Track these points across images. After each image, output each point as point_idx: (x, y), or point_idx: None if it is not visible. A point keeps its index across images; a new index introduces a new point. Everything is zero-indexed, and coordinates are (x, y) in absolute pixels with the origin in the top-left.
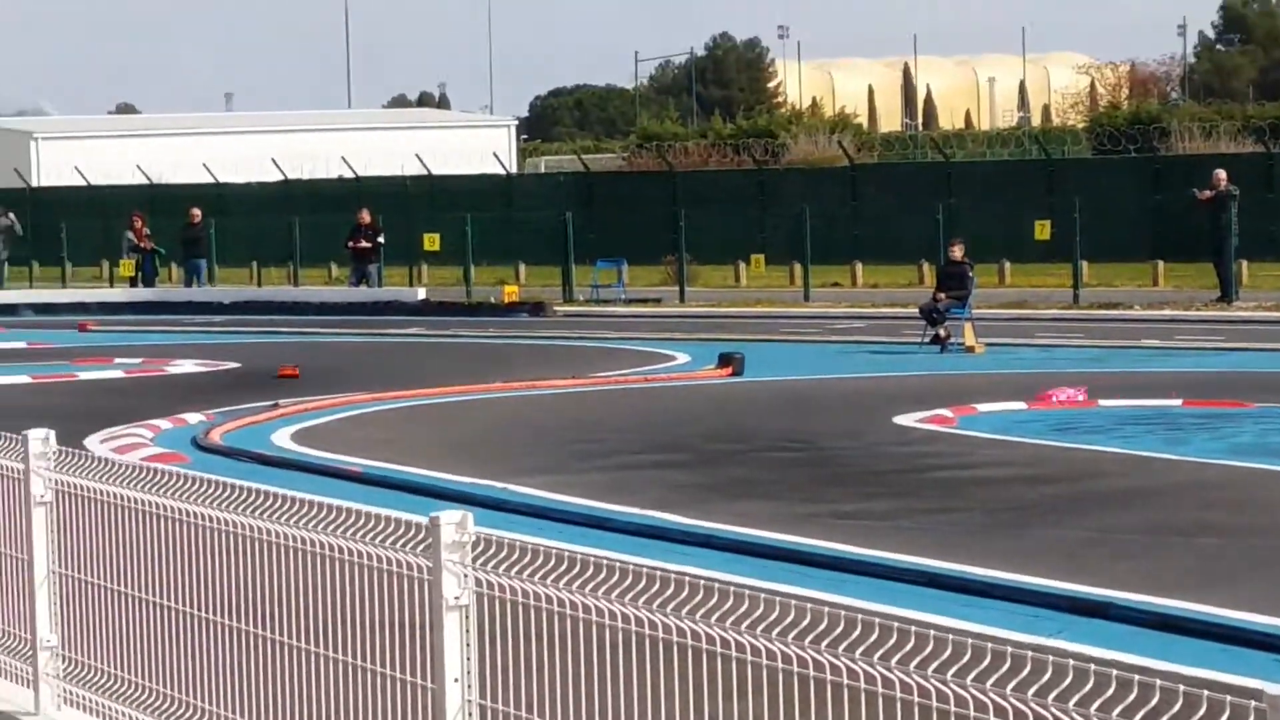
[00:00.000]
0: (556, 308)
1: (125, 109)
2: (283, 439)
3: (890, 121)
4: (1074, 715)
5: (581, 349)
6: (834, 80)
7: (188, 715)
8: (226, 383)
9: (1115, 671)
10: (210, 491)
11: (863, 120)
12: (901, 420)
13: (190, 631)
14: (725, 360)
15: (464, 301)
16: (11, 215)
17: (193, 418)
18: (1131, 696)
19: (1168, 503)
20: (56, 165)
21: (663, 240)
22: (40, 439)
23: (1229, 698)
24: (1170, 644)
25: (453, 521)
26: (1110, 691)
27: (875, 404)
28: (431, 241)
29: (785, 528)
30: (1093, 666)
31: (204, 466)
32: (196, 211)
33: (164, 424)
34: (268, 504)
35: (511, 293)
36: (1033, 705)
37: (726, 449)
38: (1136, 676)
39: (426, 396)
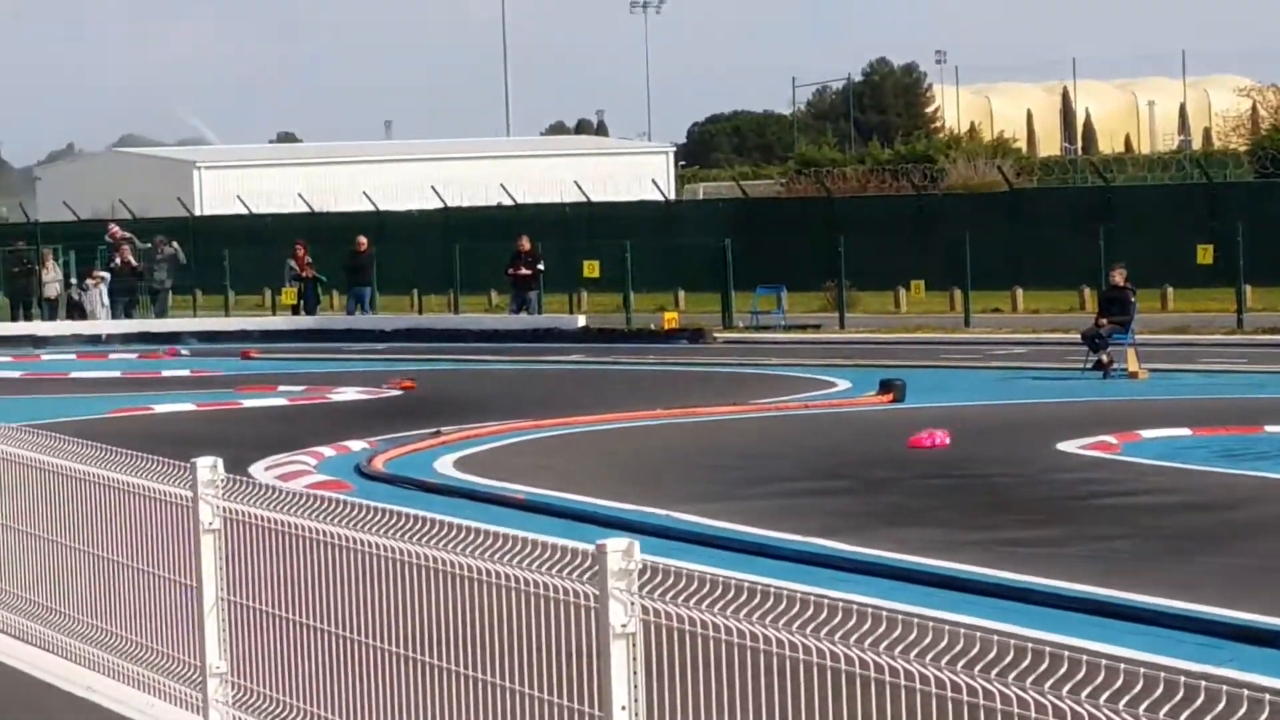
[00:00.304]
0: (716, 334)
1: (286, 137)
2: (445, 466)
3: (1049, 146)
4: None
5: (741, 375)
6: (992, 105)
7: None
8: (389, 410)
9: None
10: (376, 518)
11: (1021, 145)
12: (1064, 447)
13: (358, 658)
14: (886, 386)
15: (624, 328)
16: (175, 244)
17: (356, 445)
18: None
19: None
20: (219, 194)
21: (822, 266)
22: (208, 467)
23: None
24: None
25: (619, 549)
26: None
27: (1037, 430)
28: (591, 268)
29: (947, 555)
30: (1267, 697)
31: (367, 493)
32: (363, 239)
33: (327, 451)
34: (434, 531)
35: (671, 319)
36: None
37: (888, 476)
38: None
39: (587, 423)
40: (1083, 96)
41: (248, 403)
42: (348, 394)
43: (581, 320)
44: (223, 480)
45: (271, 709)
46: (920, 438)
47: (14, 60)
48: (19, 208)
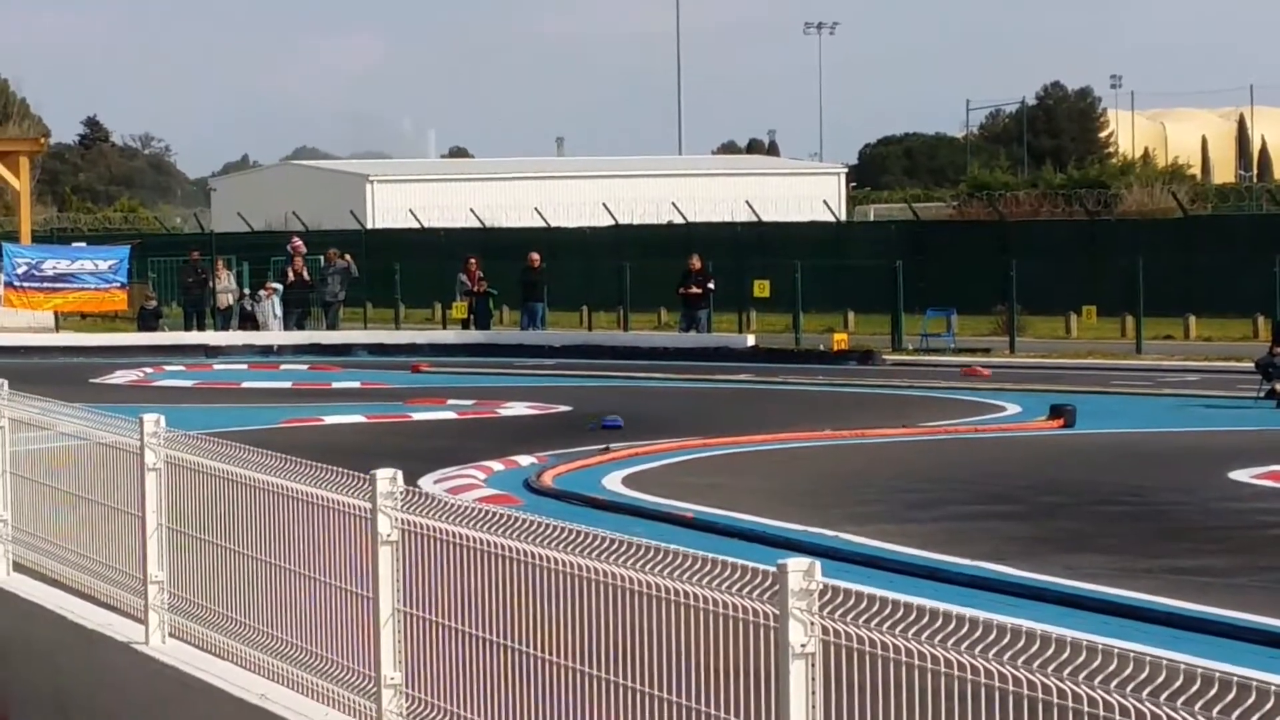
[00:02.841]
0: (885, 356)
1: (458, 152)
2: (614, 483)
3: (1224, 172)
4: None
5: (910, 398)
6: (1167, 130)
7: None
8: (558, 426)
9: None
10: (549, 534)
11: (1196, 171)
12: (1237, 476)
13: (532, 672)
14: (1056, 412)
15: (793, 348)
16: (348, 257)
17: (524, 460)
18: None
19: None
20: (391, 208)
21: (993, 290)
22: (388, 479)
23: None
24: None
25: (800, 569)
26: None
27: (1209, 459)
28: (761, 288)
29: (1119, 582)
30: None
31: (536, 508)
32: (535, 255)
33: (496, 465)
34: (609, 547)
35: (840, 340)
36: None
37: (1058, 501)
38: None
39: (755, 443)
40: (1259, 123)
41: (417, 416)
42: (517, 409)
43: (751, 340)
44: (401, 492)
45: None
46: None
47: (190, 73)
48: (194, 218)
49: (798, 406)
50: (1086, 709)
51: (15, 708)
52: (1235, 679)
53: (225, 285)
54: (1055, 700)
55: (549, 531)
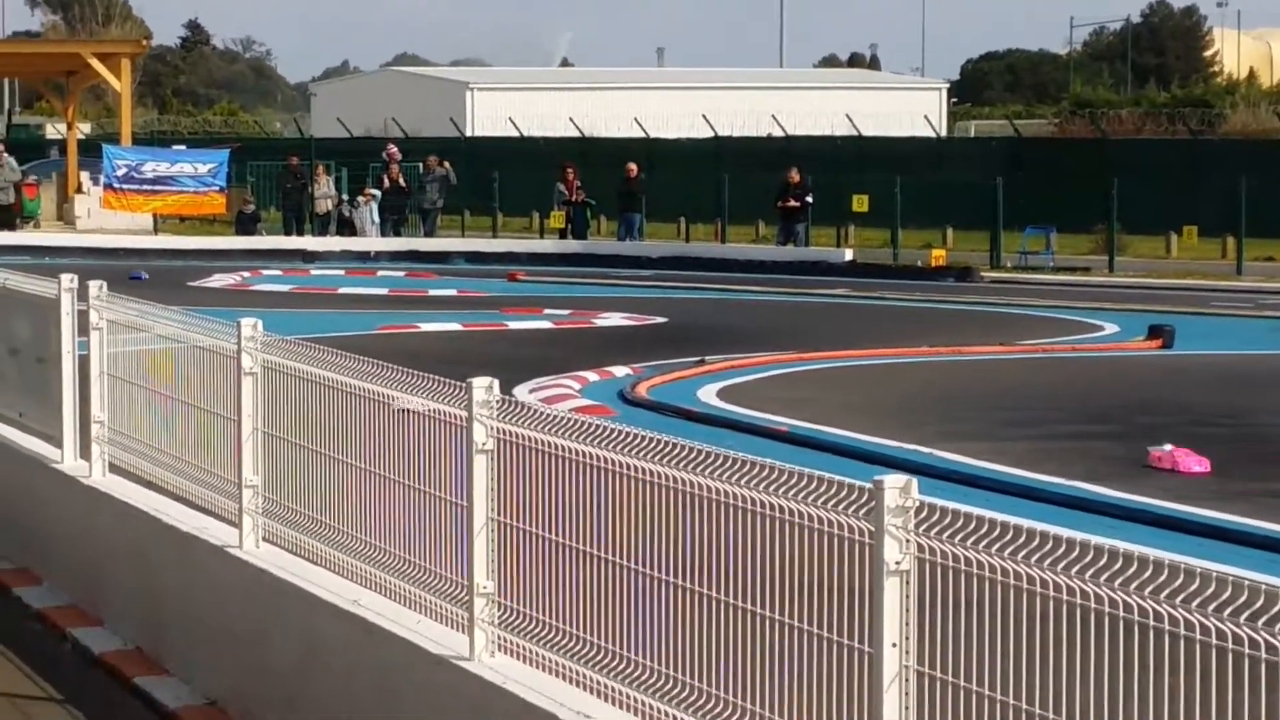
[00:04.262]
0: (983, 273)
1: (559, 62)
2: (708, 395)
3: None
4: None
5: (1008, 316)
6: (1273, 50)
7: (619, 666)
8: (653, 337)
9: None
10: (643, 445)
11: None
12: None
13: (623, 583)
14: (1155, 332)
15: (890, 264)
16: (447, 164)
17: (619, 371)
18: None
19: None
20: (491, 116)
21: (1093, 209)
22: (484, 387)
23: None
24: None
25: (896, 486)
26: None
27: None
28: (860, 203)
29: (1217, 505)
30: None
31: (630, 419)
32: (633, 166)
33: (591, 376)
34: (705, 459)
35: (939, 257)
36: None
37: (1155, 422)
38: None
39: (851, 358)
40: None
41: (513, 324)
42: (613, 319)
43: (848, 254)
44: (497, 401)
45: (535, 630)
46: (1160, 455)
47: None
48: (294, 123)
49: (894, 322)
50: (1183, 632)
51: (108, 609)
52: None
53: (324, 191)
54: (1151, 623)
55: (643, 443)
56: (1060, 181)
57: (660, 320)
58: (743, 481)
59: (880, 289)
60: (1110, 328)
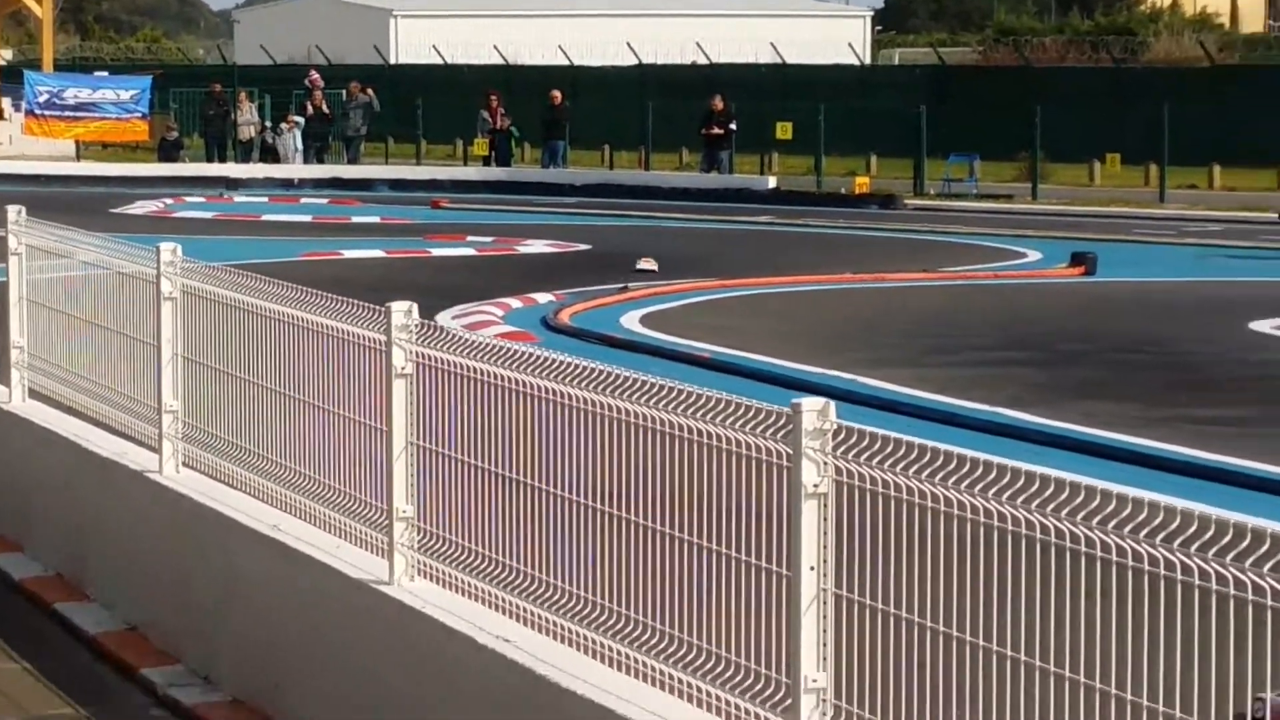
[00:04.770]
0: (907, 201)
1: None
2: (631, 322)
3: (1253, 22)
4: None
5: (931, 243)
6: None
7: (540, 590)
8: (576, 264)
9: None
10: (566, 370)
11: (1225, 21)
12: (1258, 326)
13: (544, 508)
14: (1077, 259)
15: (814, 191)
16: (370, 91)
17: (542, 298)
18: None
19: None
20: (415, 43)
21: (1016, 136)
22: (403, 311)
23: None
24: None
25: (814, 409)
26: None
27: (1230, 309)
28: (784, 130)
29: (1137, 430)
30: None
31: (553, 346)
32: (557, 93)
33: (514, 303)
34: (623, 384)
35: (862, 184)
36: None
37: (1077, 349)
38: None
39: (775, 285)
40: None
41: (436, 251)
42: (536, 246)
43: (772, 182)
44: (416, 325)
45: (455, 554)
46: None
47: None
48: (217, 50)
49: (818, 250)
50: (1099, 554)
51: (28, 535)
52: (1250, 526)
53: (247, 118)
54: (1068, 545)
55: (562, 367)
56: (984, 109)
57: (584, 247)
58: (662, 405)
59: (804, 216)
60: (1033, 255)
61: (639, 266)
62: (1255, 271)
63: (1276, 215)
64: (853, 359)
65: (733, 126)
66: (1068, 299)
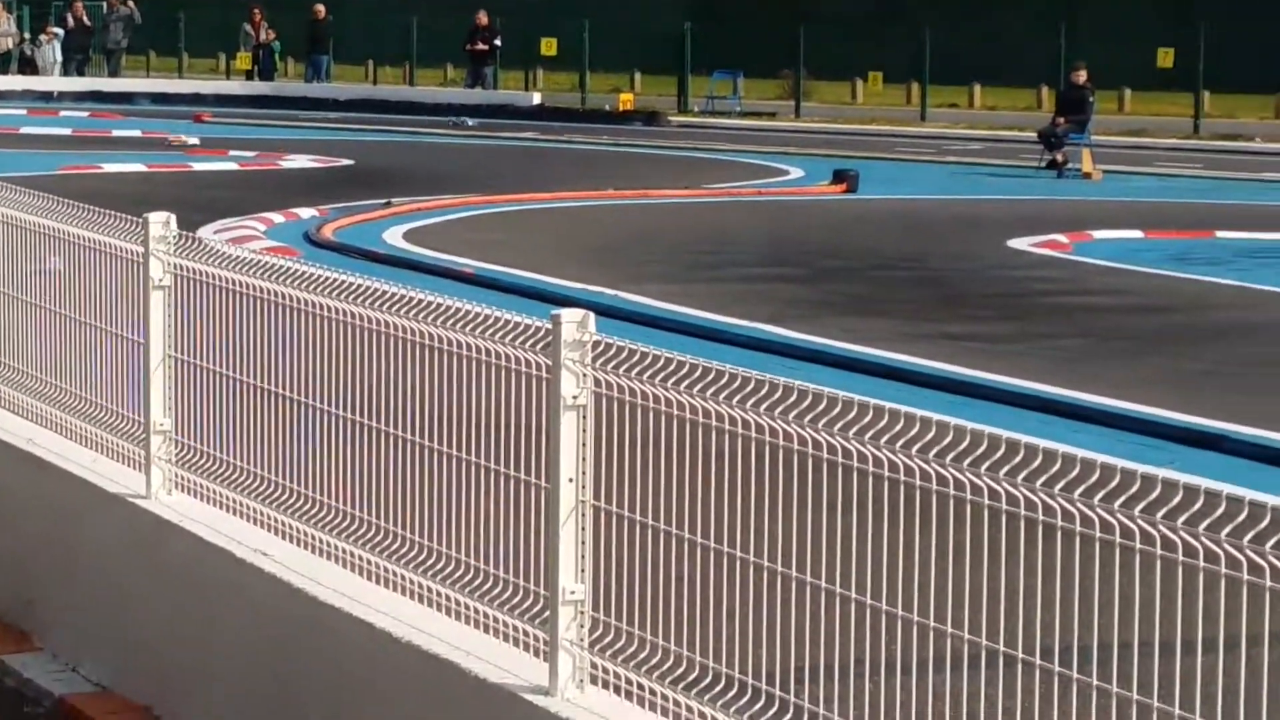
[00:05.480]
0: (671, 118)
1: None
2: (394, 237)
3: None
4: (1182, 534)
5: (695, 160)
6: None
7: (299, 504)
8: (340, 179)
9: (1225, 491)
10: (325, 282)
11: None
12: (1015, 244)
13: (305, 422)
14: (839, 177)
15: (579, 108)
16: (130, 3)
17: (305, 213)
18: (1242, 517)
19: None
20: None
21: (780, 54)
22: (161, 222)
23: None
24: None
25: (574, 320)
26: (1219, 512)
27: (989, 227)
28: (548, 46)
29: (896, 346)
30: (1225, 491)
31: (315, 261)
32: (321, 7)
33: (277, 218)
34: (383, 298)
35: (626, 101)
36: (1140, 522)
37: (839, 266)
38: (1248, 496)
39: (539, 201)
40: None
41: (198, 166)
42: (299, 161)
43: (536, 98)
44: (174, 237)
45: (215, 468)
46: None
47: None
48: None
49: (582, 166)
50: (856, 464)
51: None
52: (1004, 438)
53: (4, 29)
54: (825, 455)
55: (325, 281)
56: (748, 27)
57: (347, 163)
58: (422, 318)
59: (568, 133)
60: (796, 172)
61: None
62: (1014, 190)
63: (1036, 134)
64: (617, 275)
65: (497, 42)
66: (830, 216)
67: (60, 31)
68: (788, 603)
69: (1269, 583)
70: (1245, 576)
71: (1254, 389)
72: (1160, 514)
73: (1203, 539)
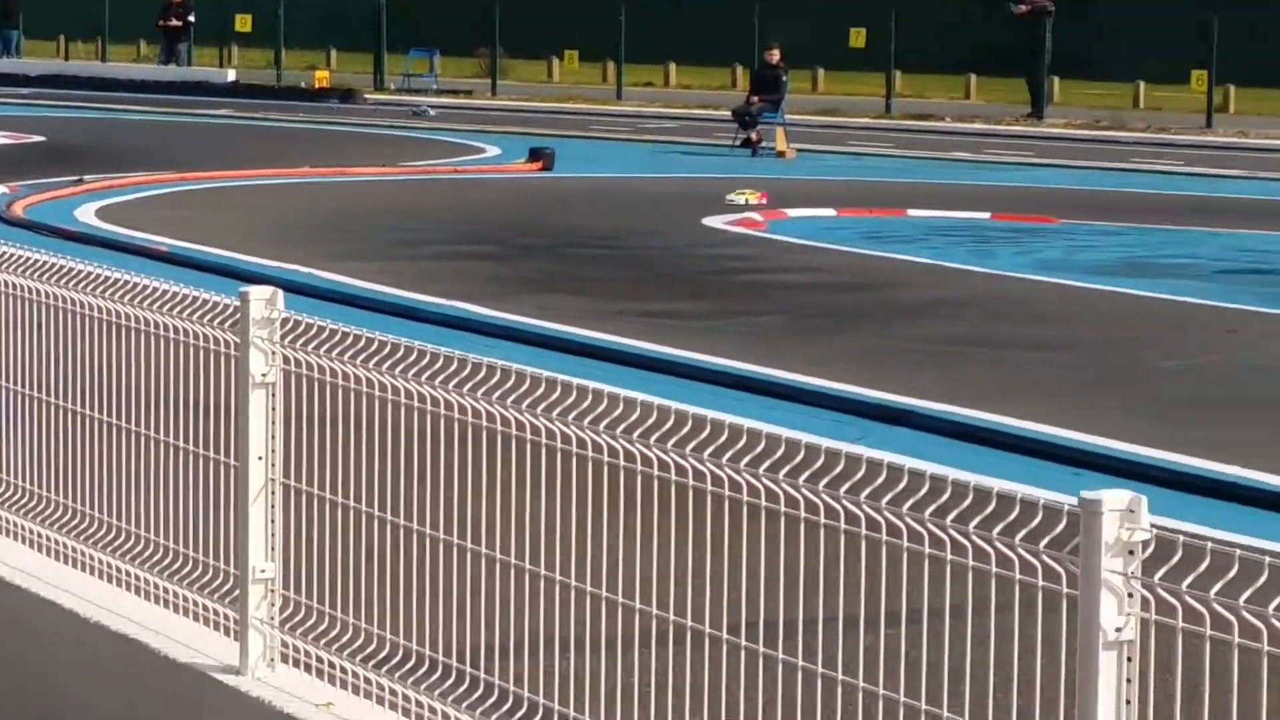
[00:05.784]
0: (367, 95)
1: None
2: (87, 215)
3: None
4: (866, 509)
5: (391, 138)
6: None
7: None
8: (31, 156)
9: (908, 466)
10: (13, 261)
11: None
12: (710, 222)
13: None
14: (535, 155)
15: (274, 85)
16: None
17: None
18: (943, 499)
19: (972, 315)
20: None
21: (476, 32)
22: None
23: (1042, 501)
24: (970, 454)
25: (262, 298)
26: (920, 495)
27: (684, 205)
28: (243, 22)
29: (592, 324)
30: (907, 466)
31: (5, 239)
32: None
33: None
34: (73, 276)
35: (322, 78)
36: (844, 502)
37: (534, 244)
38: (952, 476)
39: (234, 179)
40: None
41: None
42: None
43: (231, 75)
44: None
45: None
46: None
47: None
48: None
49: (278, 143)
50: (545, 440)
51: None
52: (691, 414)
53: None
54: (515, 433)
55: (12, 259)
56: (445, 4)
57: (38, 139)
58: (112, 296)
59: (264, 110)
60: (492, 150)
61: None
62: (708, 168)
63: (731, 113)
64: (313, 253)
65: (191, 19)
66: (526, 194)
67: None
68: (478, 579)
69: (950, 556)
70: (927, 550)
71: (943, 365)
72: (844, 489)
73: (886, 513)
